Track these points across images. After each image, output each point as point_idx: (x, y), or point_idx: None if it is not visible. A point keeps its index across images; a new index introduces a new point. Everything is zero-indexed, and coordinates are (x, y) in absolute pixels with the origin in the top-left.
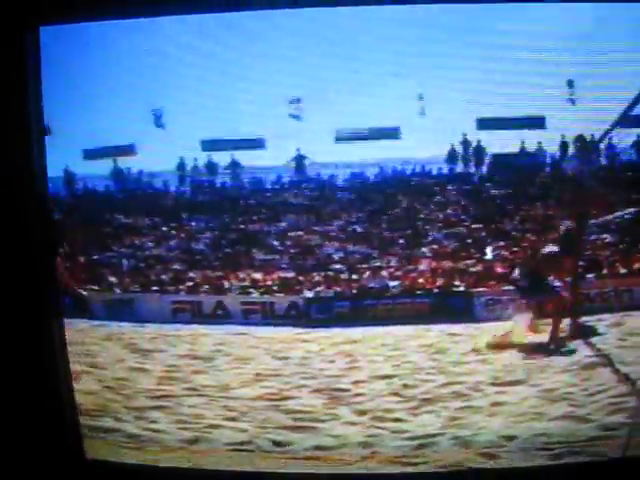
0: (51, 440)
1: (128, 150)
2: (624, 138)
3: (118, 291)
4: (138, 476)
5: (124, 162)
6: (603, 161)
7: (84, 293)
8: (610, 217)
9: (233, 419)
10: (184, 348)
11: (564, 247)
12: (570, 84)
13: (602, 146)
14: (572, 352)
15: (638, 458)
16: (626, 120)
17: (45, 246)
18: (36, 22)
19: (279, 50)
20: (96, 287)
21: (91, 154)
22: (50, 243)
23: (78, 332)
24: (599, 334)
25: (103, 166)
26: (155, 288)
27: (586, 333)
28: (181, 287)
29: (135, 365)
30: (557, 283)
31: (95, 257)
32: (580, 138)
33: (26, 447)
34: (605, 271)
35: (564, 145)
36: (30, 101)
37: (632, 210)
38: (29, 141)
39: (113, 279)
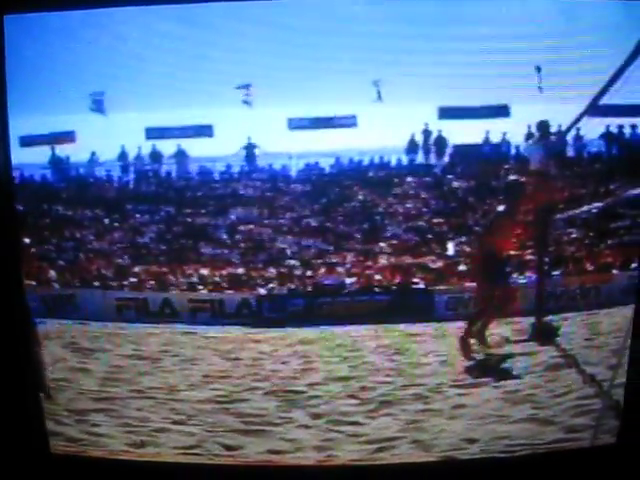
0: (15, 434)
1: (67, 137)
2: (592, 129)
3: (57, 286)
4: (105, 470)
5: (63, 150)
6: (570, 152)
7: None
8: (577, 211)
9: (181, 422)
10: (129, 348)
11: (506, 209)
12: (538, 70)
13: (569, 136)
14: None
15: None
16: (594, 110)
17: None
18: None
19: (229, 34)
20: (34, 282)
21: (27, 141)
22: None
23: None
24: (564, 334)
25: (41, 154)
26: (97, 284)
27: (551, 333)
28: (125, 283)
29: (76, 365)
30: (514, 276)
31: (33, 250)
32: (544, 124)
33: None
34: (571, 268)
35: (530, 135)
36: None
37: (599, 204)
38: None
39: (52, 274)
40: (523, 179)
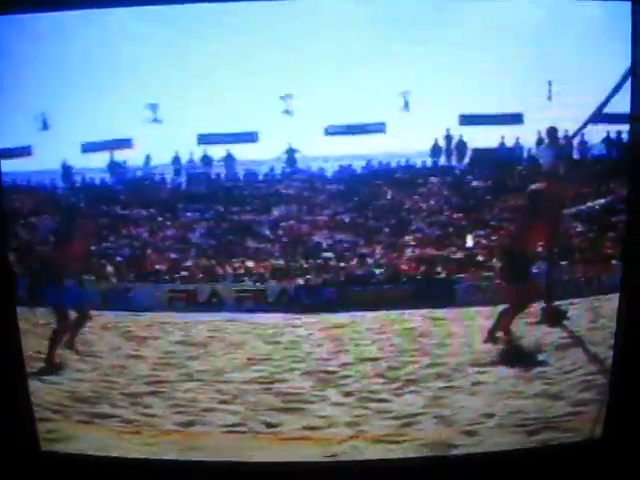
0: (4, 433)
1: (125, 144)
2: (595, 134)
3: (114, 281)
4: (93, 466)
5: (121, 155)
6: (576, 155)
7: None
8: (582, 207)
9: (226, 402)
10: (178, 335)
11: (530, 215)
12: (549, 83)
13: (575, 141)
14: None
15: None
16: (597, 118)
17: None
18: None
19: (272, 52)
20: (93, 277)
21: (89, 148)
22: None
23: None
24: (571, 317)
25: (101, 159)
26: (151, 277)
27: (559, 316)
28: (176, 276)
29: (131, 352)
30: (534, 270)
31: (92, 248)
32: (553, 130)
33: None
34: (576, 258)
35: (540, 140)
36: None
37: (601, 201)
38: None
39: (110, 269)
40: (544, 187)
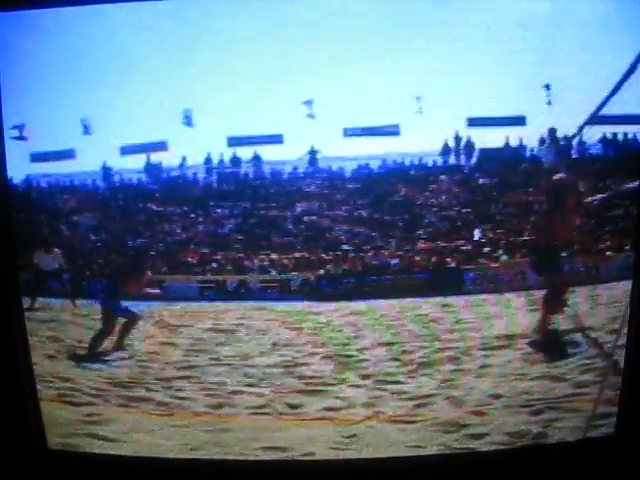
0: (13, 430)
1: (161, 147)
2: (592, 135)
3: (149, 273)
4: (99, 465)
5: (157, 157)
6: (575, 154)
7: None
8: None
9: (252, 385)
10: (208, 323)
11: (555, 206)
12: (547, 87)
13: (574, 141)
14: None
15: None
16: (595, 120)
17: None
18: None
19: (297, 56)
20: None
21: (127, 150)
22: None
23: None
24: (571, 304)
25: (138, 161)
26: (183, 270)
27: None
28: (207, 268)
29: (164, 340)
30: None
31: (130, 243)
32: (553, 132)
33: None
34: (575, 249)
35: (542, 141)
36: None
37: (599, 197)
38: None
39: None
40: (567, 177)
